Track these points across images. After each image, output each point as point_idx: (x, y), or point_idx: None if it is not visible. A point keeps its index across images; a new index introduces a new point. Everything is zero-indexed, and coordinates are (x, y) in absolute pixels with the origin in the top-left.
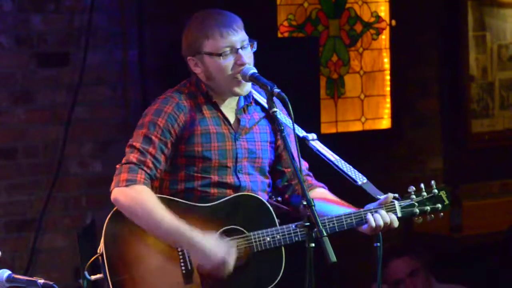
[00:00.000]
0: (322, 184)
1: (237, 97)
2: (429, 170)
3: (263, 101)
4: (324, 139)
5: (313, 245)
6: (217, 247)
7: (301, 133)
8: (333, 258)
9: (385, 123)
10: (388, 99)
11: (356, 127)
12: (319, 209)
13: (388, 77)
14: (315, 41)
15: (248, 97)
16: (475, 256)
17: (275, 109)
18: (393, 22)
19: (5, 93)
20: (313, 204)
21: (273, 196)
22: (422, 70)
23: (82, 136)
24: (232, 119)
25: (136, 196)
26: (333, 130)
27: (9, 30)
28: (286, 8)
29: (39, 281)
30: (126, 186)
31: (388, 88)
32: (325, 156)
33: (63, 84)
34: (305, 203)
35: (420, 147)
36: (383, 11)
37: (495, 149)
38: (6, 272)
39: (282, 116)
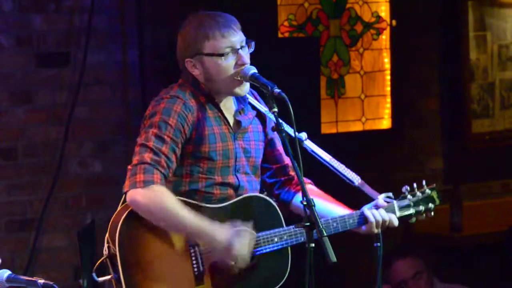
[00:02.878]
0: (309, 180)
1: (232, 97)
2: (429, 170)
3: (252, 99)
4: (324, 139)
5: (313, 245)
6: (235, 239)
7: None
8: (333, 258)
9: (385, 123)
10: (389, 99)
11: (357, 127)
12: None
13: (388, 77)
14: (316, 41)
15: (244, 100)
16: (475, 256)
17: (275, 109)
18: (394, 22)
19: (5, 93)
20: (313, 204)
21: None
22: (422, 70)
23: (82, 136)
24: (230, 119)
25: (156, 196)
26: (334, 130)
27: (10, 30)
28: (287, 8)
29: (39, 281)
30: (144, 187)
31: (389, 88)
32: (320, 156)
33: (63, 84)
34: (305, 203)
35: (420, 147)
36: (384, 11)
37: (495, 149)
38: (6, 272)
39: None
